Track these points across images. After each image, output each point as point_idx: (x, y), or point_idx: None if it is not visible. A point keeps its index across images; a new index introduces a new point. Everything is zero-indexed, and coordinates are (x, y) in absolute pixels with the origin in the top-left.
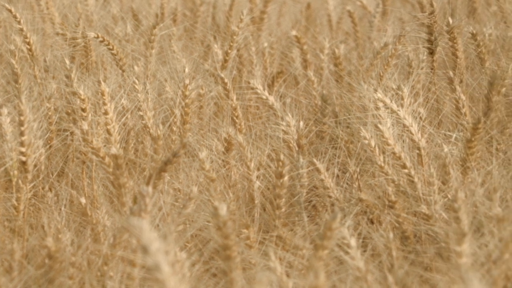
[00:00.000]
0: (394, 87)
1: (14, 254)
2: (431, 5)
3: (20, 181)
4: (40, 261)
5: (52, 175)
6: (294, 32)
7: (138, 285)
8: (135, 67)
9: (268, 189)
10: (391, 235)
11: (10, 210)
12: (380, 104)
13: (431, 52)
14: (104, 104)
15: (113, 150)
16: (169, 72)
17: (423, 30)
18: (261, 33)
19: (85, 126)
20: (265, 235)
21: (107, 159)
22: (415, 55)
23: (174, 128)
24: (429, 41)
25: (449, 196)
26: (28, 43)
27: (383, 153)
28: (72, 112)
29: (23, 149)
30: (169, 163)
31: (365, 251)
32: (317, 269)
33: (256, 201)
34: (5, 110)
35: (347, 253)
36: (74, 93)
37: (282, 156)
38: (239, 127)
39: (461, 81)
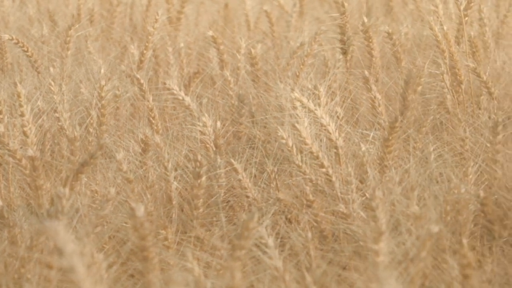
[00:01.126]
0: (311, 86)
1: None
2: (342, 5)
3: None
4: None
5: None
6: (210, 33)
7: (56, 287)
8: (51, 69)
9: (186, 189)
10: (309, 234)
11: None
12: (297, 104)
13: (344, 52)
14: (20, 106)
15: (30, 152)
16: (85, 73)
17: (338, 30)
18: (178, 34)
19: (1, 128)
20: (183, 236)
21: (23, 161)
22: (331, 55)
23: (91, 130)
24: (342, 41)
25: (367, 194)
26: None
27: (301, 152)
28: None
29: None
30: (86, 164)
31: (283, 250)
32: (233, 269)
33: (173, 202)
34: None
35: (265, 252)
36: None
37: (199, 157)
38: (155, 128)
39: (376, 80)
